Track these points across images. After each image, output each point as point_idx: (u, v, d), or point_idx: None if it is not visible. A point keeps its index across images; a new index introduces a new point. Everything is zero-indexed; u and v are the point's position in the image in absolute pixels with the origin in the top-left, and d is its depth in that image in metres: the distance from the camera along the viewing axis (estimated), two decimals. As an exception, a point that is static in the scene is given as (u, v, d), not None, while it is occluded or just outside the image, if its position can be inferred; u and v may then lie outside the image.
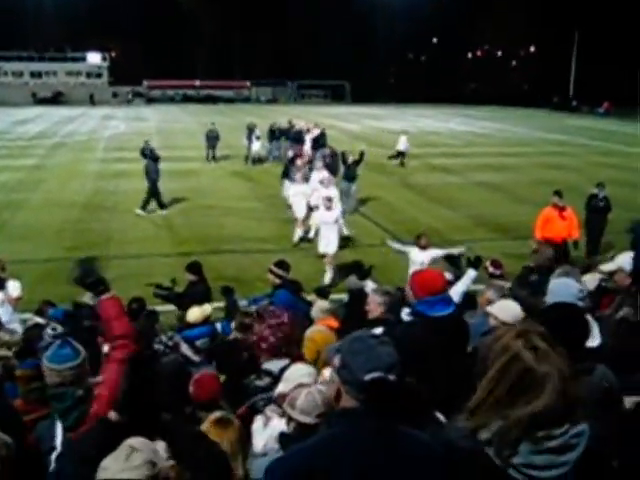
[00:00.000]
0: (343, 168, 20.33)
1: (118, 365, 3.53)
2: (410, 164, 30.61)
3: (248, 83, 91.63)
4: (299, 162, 19.08)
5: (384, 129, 48.50)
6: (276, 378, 4.76)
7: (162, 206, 20.16)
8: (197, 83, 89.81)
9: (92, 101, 78.18)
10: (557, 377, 2.15)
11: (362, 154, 20.63)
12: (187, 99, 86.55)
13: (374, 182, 25.27)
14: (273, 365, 5.00)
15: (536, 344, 2.24)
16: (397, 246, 12.52)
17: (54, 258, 14.68)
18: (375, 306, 6.18)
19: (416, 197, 23.05)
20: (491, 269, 9.23)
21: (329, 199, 14.42)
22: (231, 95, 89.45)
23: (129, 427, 3.55)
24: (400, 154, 30.91)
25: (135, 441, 2.76)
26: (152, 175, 20.13)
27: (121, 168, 28.02)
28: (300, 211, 16.81)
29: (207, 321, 7.96)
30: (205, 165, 29.33)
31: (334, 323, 6.92)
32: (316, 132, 28.02)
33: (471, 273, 8.09)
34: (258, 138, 30.21)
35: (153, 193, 20.03)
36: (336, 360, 2.45)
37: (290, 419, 3.69)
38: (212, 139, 30.76)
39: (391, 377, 2.35)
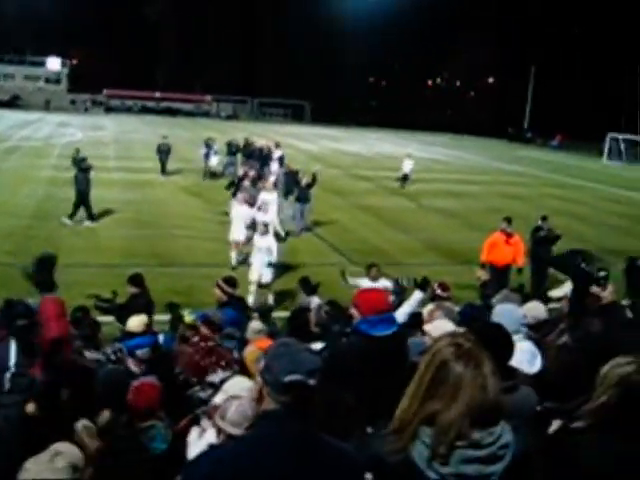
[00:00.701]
0: (296, 190, 20.41)
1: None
2: (365, 186, 30.88)
3: (209, 97, 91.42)
4: (245, 182, 18.92)
5: (342, 151, 48.88)
6: (218, 389, 4.77)
7: (91, 217, 19.61)
8: (157, 95, 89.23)
9: (47, 107, 77.06)
10: (479, 373, 2.23)
11: (315, 176, 20.61)
12: (146, 110, 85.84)
13: (329, 203, 25.43)
14: (217, 377, 5.02)
15: (458, 342, 2.33)
16: (353, 282, 12.53)
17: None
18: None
19: (370, 219, 23.24)
20: (438, 291, 9.32)
21: (265, 224, 14.11)
22: (191, 109, 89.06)
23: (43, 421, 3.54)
24: (405, 177, 31.78)
25: (61, 445, 2.76)
26: (80, 185, 19.60)
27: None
28: (235, 233, 16.33)
29: (148, 331, 7.90)
30: (160, 177, 28.99)
31: (266, 343, 6.96)
32: (279, 152, 28.19)
33: (417, 295, 8.17)
34: (216, 153, 30.05)
35: (81, 202, 19.47)
36: (261, 363, 2.51)
37: (220, 430, 3.70)
38: (164, 152, 29.90)
39: (311, 381, 2.40)
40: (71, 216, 19.27)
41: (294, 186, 20.96)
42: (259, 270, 13.38)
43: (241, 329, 7.80)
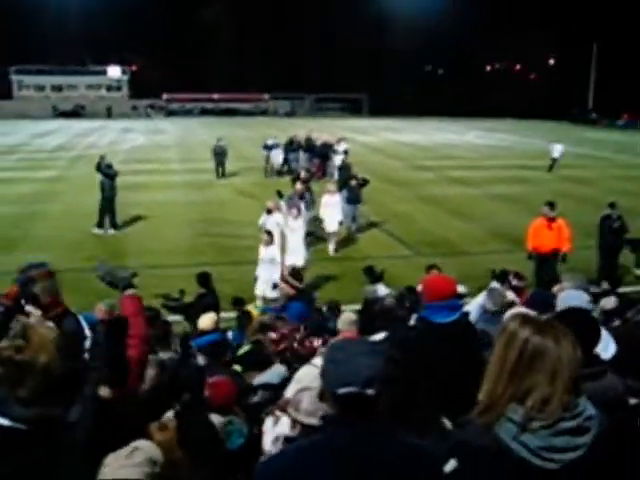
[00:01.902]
0: (346, 191, 19.12)
1: (128, 364, 3.53)
2: (427, 176, 30.63)
3: (266, 96, 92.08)
4: (298, 186, 17.16)
5: (401, 142, 48.55)
6: (276, 388, 4.76)
7: (115, 225, 19.28)
8: (215, 96, 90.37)
9: (110, 114, 78.79)
10: (562, 345, 2.19)
11: (366, 179, 19.60)
12: (205, 112, 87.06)
13: (391, 195, 25.38)
14: (265, 377, 5.00)
15: (532, 319, 2.27)
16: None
17: (73, 268, 14.80)
18: (347, 327, 6.23)
19: (432, 209, 23.01)
20: (515, 282, 9.11)
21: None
22: (249, 108, 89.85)
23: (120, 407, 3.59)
24: (554, 161, 32.58)
25: (140, 442, 2.81)
26: (107, 192, 19.25)
27: (139, 180, 28.21)
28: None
29: (217, 328, 8.01)
30: (219, 180, 29.00)
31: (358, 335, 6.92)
32: (344, 145, 28.21)
33: (492, 285, 8.06)
34: (278, 149, 30.01)
35: (106, 210, 19.16)
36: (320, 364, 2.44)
37: (296, 422, 3.70)
38: (219, 155, 29.55)
39: (368, 392, 2.27)
40: (100, 225, 19.01)
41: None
42: (263, 284, 12.74)
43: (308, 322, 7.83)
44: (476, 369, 3.98)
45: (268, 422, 4.21)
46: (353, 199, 18.74)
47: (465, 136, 55.20)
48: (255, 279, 12.90)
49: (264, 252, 12.83)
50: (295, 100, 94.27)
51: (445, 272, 11.27)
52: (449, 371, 4.15)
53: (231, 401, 4.75)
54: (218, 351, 6.81)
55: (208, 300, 9.68)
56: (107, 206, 19.20)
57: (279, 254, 13.03)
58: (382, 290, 7.34)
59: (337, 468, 2.23)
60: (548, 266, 13.03)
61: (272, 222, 13.81)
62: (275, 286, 11.48)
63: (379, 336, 5.04)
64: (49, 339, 2.77)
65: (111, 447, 2.90)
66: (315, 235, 17.34)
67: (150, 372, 4.86)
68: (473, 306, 7.24)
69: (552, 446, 2.18)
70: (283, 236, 13.36)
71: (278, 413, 4.23)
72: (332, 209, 17.01)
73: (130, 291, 3.84)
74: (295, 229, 13.44)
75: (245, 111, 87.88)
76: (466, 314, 4.92)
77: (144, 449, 2.76)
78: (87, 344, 3.11)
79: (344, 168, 23.36)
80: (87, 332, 3.12)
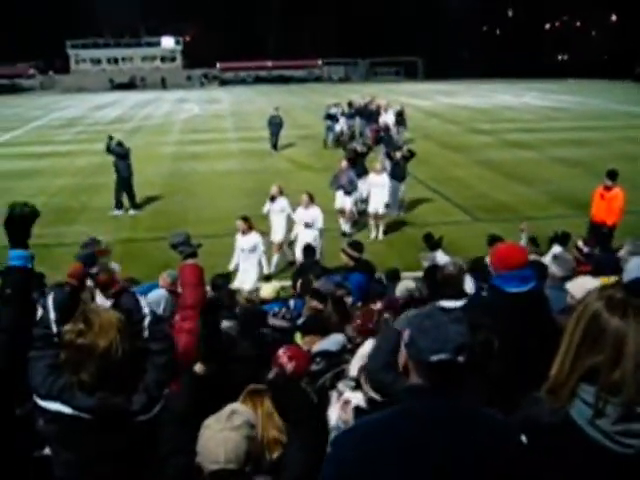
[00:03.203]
0: (390, 165, 17.75)
1: (186, 336, 3.56)
2: (484, 140, 30.08)
3: (320, 62, 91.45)
4: (342, 163, 16.45)
5: (458, 105, 47.72)
6: (333, 356, 4.75)
7: (135, 206, 18.61)
8: (269, 64, 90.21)
9: (164, 85, 79.38)
10: (637, 323, 2.11)
11: (412, 152, 17.75)
12: (259, 80, 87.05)
13: (448, 159, 25.08)
14: (324, 344, 4.98)
15: (609, 294, 2.19)
16: None
17: (133, 239, 15.09)
18: (407, 293, 6.15)
19: (490, 173, 22.61)
20: (586, 249, 8.86)
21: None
22: (303, 74, 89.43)
23: (215, 379, 3.63)
24: None
25: (236, 405, 2.91)
26: (122, 173, 18.47)
27: (196, 150, 28.50)
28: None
29: (279, 297, 8.07)
30: (274, 151, 28.29)
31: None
32: (391, 113, 27.30)
33: (556, 249, 7.90)
34: (341, 116, 28.95)
35: (123, 190, 18.44)
36: (405, 335, 2.39)
37: (365, 394, 3.71)
38: (275, 126, 28.19)
39: (459, 359, 2.27)
40: (118, 205, 18.38)
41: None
42: (242, 276, 11.97)
43: (368, 292, 7.82)
44: (549, 343, 3.91)
45: (333, 396, 4.22)
46: (397, 174, 17.10)
47: (523, 98, 53.90)
48: (235, 270, 12.08)
49: (242, 241, 11.89)
50: (349, 65, 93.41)
51: (506, 238, 11.14)
52: (521, 344, 4.07)
53: (303, 372, 4.76)
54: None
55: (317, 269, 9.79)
56: (124, 187, 18.43)
57: (281, 237, 13.26)
58: (441, 257, 7.24)
59: (425, 437, 2.23)
60: (601, 236, 12.64)
61: (276, 209, 13.66)
62: (268, 278, 11.11)
63: (448, 304, 4.97)
64: (110, 323, 2.80)
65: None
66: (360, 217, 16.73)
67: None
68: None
69: (629, 431, 2.11)
70: (289, 220, 13.46)
71: (341, 387, 4.23)
72: (378, 190, 15.67)
73: (191, 260, 3.85)
74: (304, 219, 13.06)
75: (299, 78, 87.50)
76: (540, 285, 4.80)
77: (242, 412, 2.84)
78: (147, 322, 3.10)
79: (385, 139, 22.60)
80: (146, 310, 3.11)
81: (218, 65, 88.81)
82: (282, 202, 13.70)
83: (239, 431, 2.73)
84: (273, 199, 13.67)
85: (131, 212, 18.33)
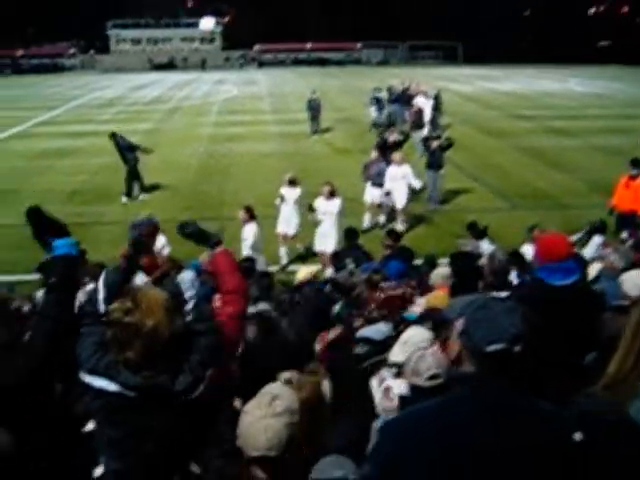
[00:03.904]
0: (426, 155, 17.19)
1: (229, 320, 3.54)
2: (525, 127, 29.63)
3: (359, 45, 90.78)
4: (372, 154, 16.10)
5: (498, 90, 47.04)
6: (376, 344, 4.71)
7: (145, 189, 18.73)
8: (308, 46, 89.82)
9: (203, 66, 79.57)
10: None
11: (450, 140, 17.01)
12: (297, 62, 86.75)
13: (488, 146, 24.81)
14: (368, 332, 4.94)
15: None
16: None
17: (171, 219, 15.14)
18: (441, 281, 6.04)
19: (530, 160, 22.28)
20: (631, 240, 8.64)
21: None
22: (342, 57, 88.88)
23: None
24: None
25: (276, 389, 2.87)
26: (130, 163, 18.53)
27: (234, 132, 28.56)
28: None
29: (314, 281, 8.03)
30: (313, 135, 27.79)
31: None
32: (430, 96, 26.20)
33: (597, 239, 7.75)
34: (384, 102, 28.11)
35: (134, 177, 18.50)
36: (458, 324, 2.36)
37: (407, 382, 3.68)
38: (314, 110, 27.64)
39: (515, 349, 2.24)
40: (128, 193, 18.32)
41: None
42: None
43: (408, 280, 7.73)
44: (593, 337, 3.81)
45: (373, 382, 4.18)
46: (433, 164, 16.48)
47: (566, 84, 52.95)
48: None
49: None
50: (388, 49, 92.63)
51: (546, 227, 10.97)
52: (562, 338, 3.99)
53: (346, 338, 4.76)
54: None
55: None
56: (135, 174, 18.55)
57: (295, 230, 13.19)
58: (486, 246, 7.11)
59: (474, 426, 2.20)
60: (627, 226, 12.33)
61: (292, 198, 13.43)
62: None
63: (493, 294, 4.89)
64: (158, 302, 2.82)
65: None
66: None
67: (251, 327, 4.89)
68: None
69: None
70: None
71: (384, 374, 4.19)
72: (399, 182, 14.95)
73: (220, 248, 3.83)
74: (327, 212, 12.72)
75: (337, 60, 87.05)
76: (584, 277, 4.69)
77: (283, 397, 2.80)
78: (192, 304, 3.12)
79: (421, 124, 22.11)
80: (189, 293, 3.13)
81: (256, 47, 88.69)
82: (298, 191, 13.53)
83: (280, 418, 2.71)
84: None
85: (142, 197, 18.31)
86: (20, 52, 79.17)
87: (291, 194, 13.30)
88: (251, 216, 11.83)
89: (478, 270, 5.87)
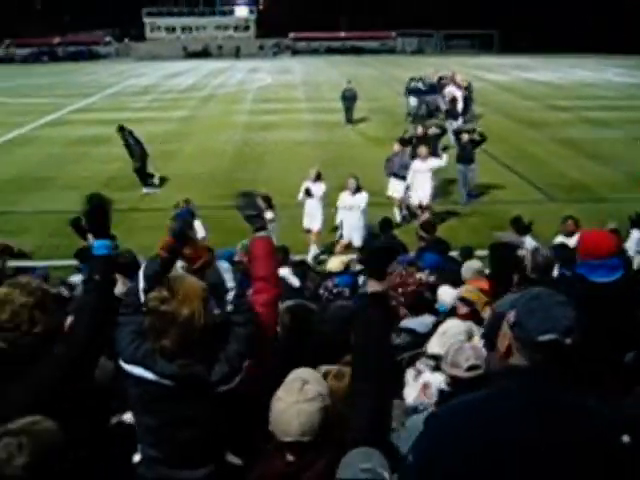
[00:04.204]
0: (457, 148, 16.75)
1: (260, 308, 3.52)
2: (562, 117, 29.20)
3: (393, 34, 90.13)
4: (395, 147, 15.71)
5: (535, 80, 46.39)
6: (418, 336, 4.67)
7: (148, 184, 18.39)
8: (342, 34, 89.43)
9: (237, 54, 79.67)
10: None
11: (484, 135, 16.50)
12: (331, 51, 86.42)
13: (524, 136, 24.51)
14: (413, 323, 4.89)
15: None
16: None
17: (205, 206, 15.20)
18: (472, 274, 5.95)
19: (567, 152, 21.97)
20: None
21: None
22: (376, 46, 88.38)
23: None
24: None
25: (305, 374, 2.89)
26: (137, 153, 18.29)
27: (269, 120, 28.58)
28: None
29: (347, 270, 7.98)
30: (347, 125, 27.66)
31: (485, 285, 6.68)
32: (456, 85, 25.28)
33: (636, 234, 7.60)
34: (422, 90, 27.33)
35: (143, 169, 18.36)
36: (510, 316, 2.33)
37: (446, 374, 3.66)
38: (349, 100, 27.43)
39: (567, 341, 2.21)
40: (147, 183, 18.29)
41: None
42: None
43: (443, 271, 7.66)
44: (634, 336, 3.72)
45: (409, 374, 4.16)
46: (463, 158, 16.08)
47: (604, 74, 52.07)
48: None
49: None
50: (423, 37, 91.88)
51: (582, 220, 10.81)
52: (604, 337, 3.90)
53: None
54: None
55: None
56: (144, 167, 18.41)
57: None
58: (530, 243, 7.01)
59: (522, 420, 2.17)
60: None
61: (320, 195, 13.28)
62: None
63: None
64: (194, 292, 2.85)
65: None
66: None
67: (285, 317, 4.86)
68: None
69: None
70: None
71: (420, 366, 4.17)
72: (422, 177, 14.50)
73: (262, 233, 3.82)
74: (353, 206, 12.71)
75: (371, 49, 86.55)
76: (628, 274, 4.60)
77: (313, 382, 2.83)
78: (231, 295, 3.13)
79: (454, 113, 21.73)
80: (230, 284, 3.15)
81: (290, 35, 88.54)
82: (322, 186, 13.40)
83: (313, 403, 2.74)
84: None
85: (144, 190, 18.04)
86: (57, 40, 79.90)
87: (316, 189, 13.15)
88: (269, 205, 11.69)
89: (517, 261, 5.77)
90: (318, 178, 13.33)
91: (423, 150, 14.67)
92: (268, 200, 11.56)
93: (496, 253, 6.21)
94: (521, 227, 7.32)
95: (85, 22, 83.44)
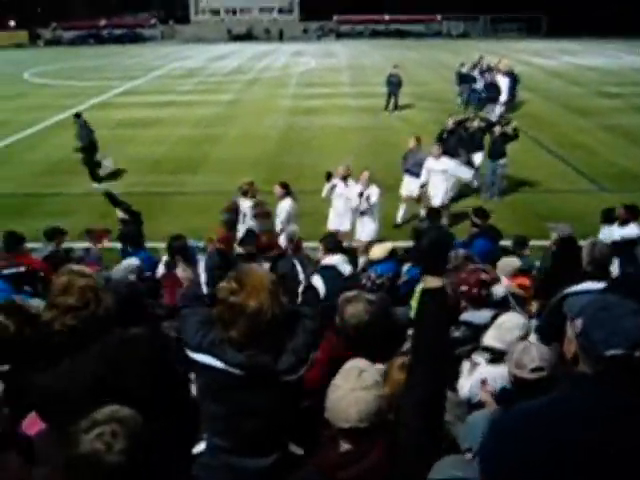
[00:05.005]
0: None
1: None
2: (612, 104, 28.59)
3: (439, 17, 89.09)
4: (410, 143, 14.78)
5: (584, 66, 45.46)
6: (476, 330, 4.63)
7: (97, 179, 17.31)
8: (386, 17, 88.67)
9: (281, 37, 79.62)
10: None
11: (517, 131, 15.41)
12: (376, 34, 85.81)
13: (572, 124, 24.05)
14: (472, 317, 4.85)
15: None
16: None
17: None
18: (504, 273, 5.86)
19: (618, 140, 21.50)
20: None
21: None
22: (421, 29, 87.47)
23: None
24: None
25: (360, 363, 2.90)
26: (85, 145, 17.31)
27: (313, 104, 28.53)
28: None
29: (390, 258, 7.90)
30: (391, 112, 27.07)
31: (526, 281, 6.59)
32: (501, 72, 24.75)
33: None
34: (474, 76, 26.55)
35: (90, 160, 17.30)
36: (577, 324, 2.27)
37: (509, 373, 3.63)
38: (394, 85, 26.69)
39: (637, 354, 2.13)
40: (95, 178, 17.27)
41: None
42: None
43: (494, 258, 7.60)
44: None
45: (465, 366, 4.14)
46: (493, 152, 15.32)
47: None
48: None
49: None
50: (468, 21, 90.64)
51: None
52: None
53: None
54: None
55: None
56: (93, 155, 17.46)
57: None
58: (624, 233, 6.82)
59: (586, 424, 2.13)
60: None
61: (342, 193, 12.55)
62: None
63: (590, 286, 4.74)
64: (262, 284, 2.88)
65: None
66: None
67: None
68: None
69: None
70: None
71: (476, 358, 4.14)
72: (436, 177, 13.63)
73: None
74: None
75: (416, 33, 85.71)
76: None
77: (369, 370, 2.85)
78: (301, 287, 3.17)
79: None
80: (301, 277, 3.19)
81: (335, 18, 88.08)
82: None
83: (370, 390, 2.75)
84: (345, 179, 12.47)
85: (94, 186, 16.78)
86: (103, 22, 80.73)
87: (345, 190, 12.40)
88: (287, 192, 11.35)
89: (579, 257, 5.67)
90: (346, 178, 12.48)
91: (435, 148, 13.82)
92: (286, 187, 11.32)
93: (563, 247, 6.11)
94: (610, 218, 7.16)
95: (131, 5, 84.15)
